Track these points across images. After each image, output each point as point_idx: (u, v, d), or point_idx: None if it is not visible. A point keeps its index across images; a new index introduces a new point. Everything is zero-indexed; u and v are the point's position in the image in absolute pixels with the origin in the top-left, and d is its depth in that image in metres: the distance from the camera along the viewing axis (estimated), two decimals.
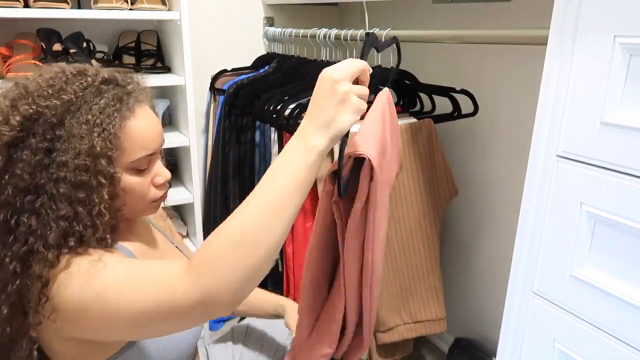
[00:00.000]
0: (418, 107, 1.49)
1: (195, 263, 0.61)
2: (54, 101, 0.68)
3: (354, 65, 0.68)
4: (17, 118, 0.67)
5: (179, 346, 0.85)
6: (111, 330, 0.65)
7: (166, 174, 0.80)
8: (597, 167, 0.68)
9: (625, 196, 0.65)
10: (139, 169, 0.75)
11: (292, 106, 1.30)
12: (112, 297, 0.63)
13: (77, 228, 0.67)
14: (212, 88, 1.79)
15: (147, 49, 1.73)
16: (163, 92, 1.81)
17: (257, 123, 1.58)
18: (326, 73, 0.67)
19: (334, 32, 1.47)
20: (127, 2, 1.48)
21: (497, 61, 1.47)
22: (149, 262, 0.68)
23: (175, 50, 1.62)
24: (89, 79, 0.73)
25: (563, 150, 0.72)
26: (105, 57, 1.67)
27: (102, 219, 0.70)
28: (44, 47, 1.49)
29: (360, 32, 1.37)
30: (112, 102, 0.71)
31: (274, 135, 1.46)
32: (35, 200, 0.66)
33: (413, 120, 1.35)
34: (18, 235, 0.66)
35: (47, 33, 1.50)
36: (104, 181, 0.69)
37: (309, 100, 1.29)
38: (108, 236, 0.73)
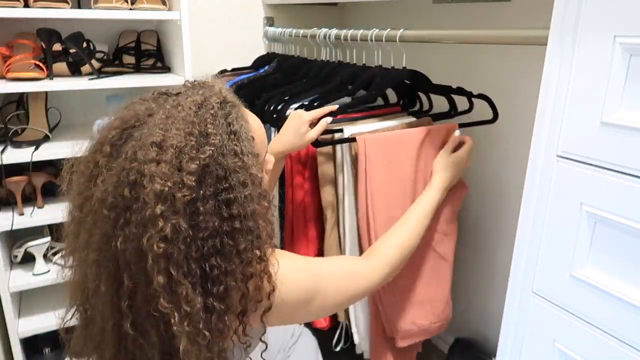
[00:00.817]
0: (417, 107, 1.49)
1: (377, 258, 0.96)
2: (208, 149, 0.66)
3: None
4: (192, 178, 0.64)
5: None
6: (317, 316, 0.87)
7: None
8: (597, 167, 0.68)
9: (625, 196, 0.65)
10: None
11: (294, 106, 1.30)
12: (330, 291, 0.83)
13: (261, 239, 0.70)
14: None
15: (147, 49, 1.73)
16: None
17: None
18: (457, 157, 1.18)
19: (334, 32, 1.47)
20: (127, 2, 1.48)
21: (497, 61, 1.47)
22: (333, 259, 1.03)
23: (175, 50, 1.62)
24: (212, 111, 0.70)
25: (563, 150, 0.72)
26: (105, 57, 1.67)
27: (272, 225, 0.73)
28: (44, 47, 1.49)
29: (360, 32, 1.37)
30: (238, 119, 0.72)
31: (274, 135, 1.45)
32: (216, 243, 0.65)
33: (412, 119, 1.35)
34: (214, 278, 0.65)
35: (47, 33, 1.50)
36: (266, 204, 0.71)
37: (309, 101, 1.30)
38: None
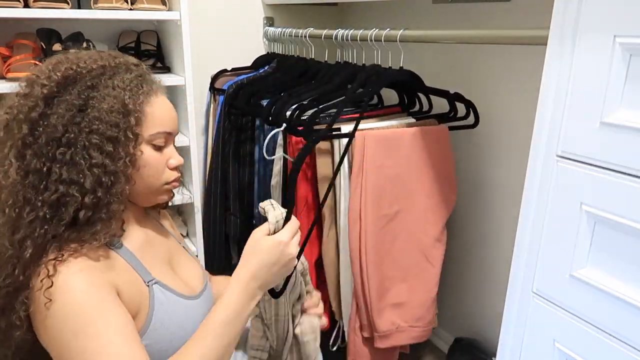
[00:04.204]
0: (417, 108, 1.49)
1: None
2: (91, 65, 0.77)
3: (295, 226, 0.83)
4: (58, 74, 0.74)
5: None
6: None
7: (179, 158, 0.85)
8: (597, 167, 0.68)
9: (625, 196, 0.65)
10: (156, 145, 0.81)
11: (293, 107, 1.30)
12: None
13: (105, 179, 0.73)
14: (212, 88, 1.79)
15: (147, 49, 1.73)
16: None
17: (257, 122, 1.58)
18: (276, 239, 0.80)
19: (334, 32, 1.47)
20: (127, 2, 1.48)
21: (497, 61, 1.47)
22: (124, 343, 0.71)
23: (175, 50, 1.62)
24: (121, 59, 0.81)
25: (563, 150, 0.72)
26: None
27: (126, 172, 0.75)
28: (44, 47, 1.49)
29: (360, 32, 1.37)
30: (139, 78, 0.80)
31: (280, 138, 1.45)
32: (67, 151, 0.72)
33: (412, 120, 1.35)
34: (49, 183, 0.71)
35: (47, 33, 1.50)
36: (130, 136, 0.75)
37: (309, 101, 1.30)
38: (114, 225, 0.76)
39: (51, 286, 0.68)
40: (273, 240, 0.80)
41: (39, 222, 0.70)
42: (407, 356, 1.58)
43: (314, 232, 1.34)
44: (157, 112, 0.81)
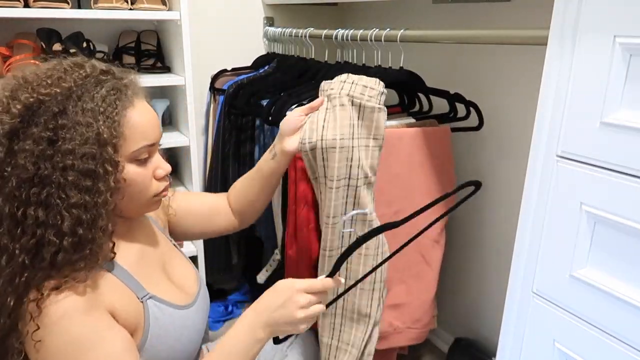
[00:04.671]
0: (417, 108, 1.49)
1: None
2: (55, 89, 0.68)
3: (319, 285, 0.78)
4: (18, 107, 0.66)
5: (188, 347, 0.85)
6: None
7: (166, 167, 0.80)
8: (597, 167, 0.68)
9: (625, 196, 0.65)
10: (140, 159, 0.75)
11: (294, 106, 1.30)
12: None
13: (86, 217, 0.67)
14: (212, 88, 1.79)
15: (147, 49, 1.73)
16: (163, 92, 1.81)
17: (257, 122, 1.58)
18: (287, 284, 0.78)
19: (334, 32, 1.47)
20: (127, 2, 1.48)
21: (497, 61, 1.47)
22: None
23: (175, 50, 1.62)
24: (88, 69, 0.73)
25: (563, 150, 0.72)
26: (105, 57, 1.67)
27: (108, 209, 0.70)
28: (44, 47, 1.49)
29: (360, 32, 1.37)
30: (112, 92, 0.72)
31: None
32: (41, 191, 0.66)
33: (412, 120, 1.35)
34: (26, 228, 0.66)
35: (47, 33, 1.50)
36: (110, 169, 0.69)
37: (309, 101, 1.30)
38: (105, 245, 0.73)
39: (38, 329, 0.66)
40: (285, 283, 0.79)
41: (18, 270, 0.66)
42: (406, 357, 1.58)
43: (313, 232, 1.34)
44: (136, 126, 0.73)
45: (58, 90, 0.68)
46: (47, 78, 0.70)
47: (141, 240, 0.86)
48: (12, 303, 0.66)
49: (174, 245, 0.97)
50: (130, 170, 0.74)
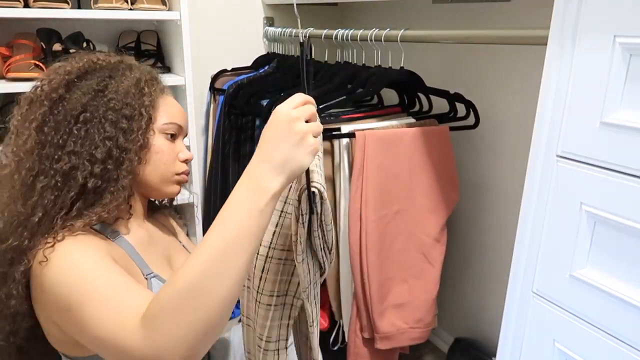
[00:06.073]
0: (417, 108, 1.49)
1: (147, 315, 0.59)
2: (110, 60, 0.84)
3: (308, 104, 0.67)
4: (80, 64, 0.81)
5: None
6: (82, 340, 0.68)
7: (189, 153, 0.88)
8: (597, 167, 0.68)
9: (625, 196, 0.65)
10: (168, 134, 0.85)
11: None
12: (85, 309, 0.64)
13: (116, 153, 0.77)
14: (212, 88, 1.79)
15: (147, 49, 1.73)
16: None
17: (257, 122, 1.58)
18: (282, 111, 0.64)
19: (334, 32, 1.47)
20: (127, 2, 1.48)
21: (497, 61, 1.47)
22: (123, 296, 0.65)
23: (175, 50, 1.62)
24: (136, 62, 0.88)
25: (563, 150, 0.72)
26: None
27: (133, 160, 0.78)
28: (44, 47, 1.49)
29: (360, 32, 1.37)
30: (153, 76, 0.87)
31: None
32: (82, 127, 0.76)
33: (412, 120, 1.35)
34: (63, 155, 0.75)
35: (47, 33, 1.50)
36: (145, 114, 0.80)
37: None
38: (122, 197, 0.78)
39: (52, 251, 0.69)
40: (272, 114, 0.66)
41: (50, 190, 0.73)
42: (407, 356, 1.58)
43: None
44: (169, 105, 0.86)
45: (112, 61, 0.84)
46: (105, 56, 0.85)
47: (151, 228, 0.90)
48: (37, 220, 0.72)
49: (184, 247, 0.98)
50: (159, 141, 0.83)
